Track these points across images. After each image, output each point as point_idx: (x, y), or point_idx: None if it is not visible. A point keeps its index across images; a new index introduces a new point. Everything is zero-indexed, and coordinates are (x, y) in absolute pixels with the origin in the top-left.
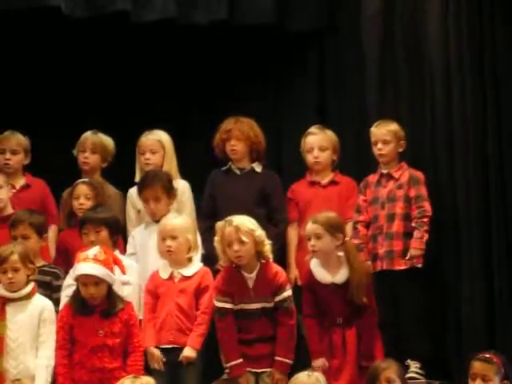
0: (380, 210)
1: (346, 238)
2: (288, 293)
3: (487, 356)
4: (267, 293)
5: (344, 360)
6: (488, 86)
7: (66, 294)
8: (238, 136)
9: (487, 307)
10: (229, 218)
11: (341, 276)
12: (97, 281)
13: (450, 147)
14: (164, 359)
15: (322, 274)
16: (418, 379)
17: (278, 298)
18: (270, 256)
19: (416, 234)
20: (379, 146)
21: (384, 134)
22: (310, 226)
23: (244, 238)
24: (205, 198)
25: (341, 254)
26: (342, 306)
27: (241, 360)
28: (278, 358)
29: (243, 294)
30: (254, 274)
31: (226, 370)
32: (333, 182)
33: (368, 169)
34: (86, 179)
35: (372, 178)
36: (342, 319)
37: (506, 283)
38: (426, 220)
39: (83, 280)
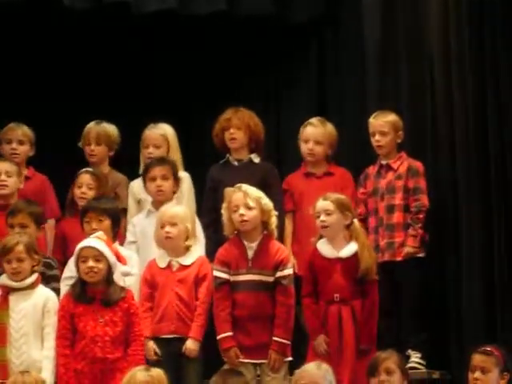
0: (380, 202)
1: (354, 219)
2: (289, 271)
3: (487, 349)
4: (266, 265)
5: (342, 343)
6: (488, 72)
7: (65, 284)
8: (238, 125)
9: (487, 299)
10: (238, 184)
11: (346, 250)
12: (97, 256)
13: (452, 138)
14: (157, 350)
15: (327, 249)
16: (418, 369)
17: (278, 274)
18: (275, 230)
19: (410, 231)
20: (377, 137)
21: (381, 125)
22: (321, 203)
23: (251, 203)
24: (205, 193)
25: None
26: (342, 282)
27: (231, 333)
28: (275, 338)
29: (241, 263)
30: (254, 244)
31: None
32: (328, 173)
33: (368, 160)
34: (90, 169)
35: (372, 170)
36: (339, 296)
37: (506, 275)
38: (421, 216)
39: (84, 254)
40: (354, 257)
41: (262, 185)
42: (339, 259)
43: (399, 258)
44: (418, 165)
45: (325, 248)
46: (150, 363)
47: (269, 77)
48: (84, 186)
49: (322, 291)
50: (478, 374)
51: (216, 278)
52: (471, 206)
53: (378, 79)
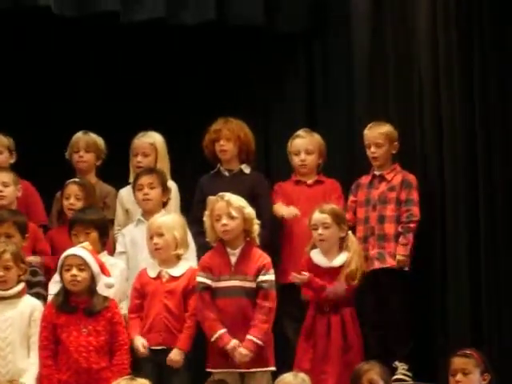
0: (371, 212)
1: (349, 231)
2: (271, 277)
3: (466, 351)
4: (249, 271)
5: (328, 350)
6: (476, 86)
7: (54, 285)
8: (228, 136)
9: (473, 310)
10: (221, 193)
11: (339, 260)
12: (81, 265)
13: (439, 147)
14: (145, 343)
15: (320, 258)
16: (405, 381)
17: (260, 278)
18: (257, 238)
19: (401, 239)
20: (372, 149)
21: (376, 136)
22: (318, 216)
23: (234, 213)
24: (194, 203)
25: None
26: None
27: (225, 329)
28: (248, 337)
29: (224, 269)
30: (237, 251)
31: (213, 371)
32: (318, 182)
33: (356, 171)
34: (77, 179)
35: (364, 180)
36: (329, 304)
37: (493, 287)
38: (412, 225)
39: (68, 262)
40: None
41: (251, 195)
42: (331, 268)
43: (389, 265)
44: (411, 178)
45: (317, 257)
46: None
47: (257, 87)
48: (72, 197)
49: (313, 300)
50: (459, 377)
51: (199, 283)
52: (457, 217)
53: (367, 91)
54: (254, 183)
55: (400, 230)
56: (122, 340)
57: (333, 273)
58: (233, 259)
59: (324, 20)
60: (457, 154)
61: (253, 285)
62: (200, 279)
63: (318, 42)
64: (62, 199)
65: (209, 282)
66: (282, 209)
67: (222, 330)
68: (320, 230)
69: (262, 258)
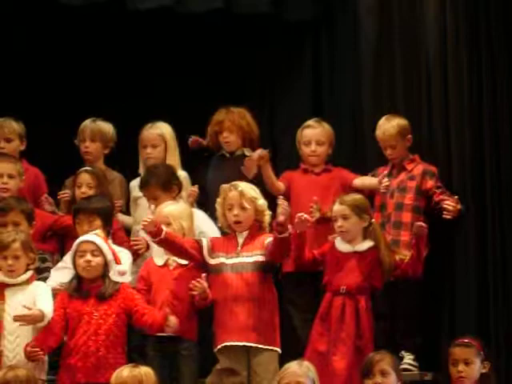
0: (389, 199)
1: (373, 220)
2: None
3: (466, 341)
4: (256, 247)
5: (341, 333)
6: (484, 76)
7: (55, 269)
8: (230, 127)
9: (481, 303)
10: (234, 182)
11: (362, 245)
12: (95, 250)
13: (447, 138)
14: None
15: (343, 245)
16: (411, 371)
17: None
18: (267, 227)
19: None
20: (388, 151)
21: (388, 139)
22: (338, 207)
23: (246, 205)
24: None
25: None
26: (351, 275)
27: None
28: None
29: (231, 249)
30: (245, 232)
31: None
32: (325, 170)
33: (362, 160)
34: (89, 168)
35: (382, 170)
36: (346, 289)
37: (500, 281)
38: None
39: (82, 248)
40: (368, 252)
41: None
42: (354, 253)
43: (402, 256)
44: (433, 169)
45: (340, 244)
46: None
47: (263, 76)
48: (84, 186)
49: (330, 282)
50: (461, 367)
51: (210, 265)
52: (466, 213)
53: (373, 79)
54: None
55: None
56: (141, 304)
57: (355, 258)
58: (240, 240)
59: (330, 8)
60: (465, 143)
61: (260, 258)
62: (212, 261)
63: (324, 31)
64: (74, 188)
65: (216, 261)
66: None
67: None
68: (339, 222)
69: (268, 235)
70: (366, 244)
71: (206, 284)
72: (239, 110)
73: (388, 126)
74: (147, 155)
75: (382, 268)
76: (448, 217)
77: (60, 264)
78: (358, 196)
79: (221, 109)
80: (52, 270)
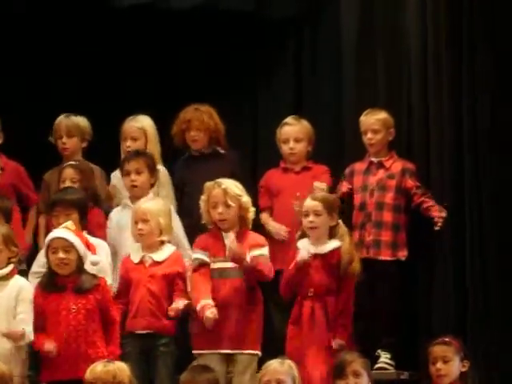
0: (369, 198)
1: (339, 220)
2: (265, 252)
3: (445, 339)
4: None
5: (311, 336)
6: (464, 74)
7: (35, 278)
8: (198, 126)
9: (458, 302)
10: (218, 179)
11: (326, 247)
12: (67, 246)
13: (427, 136)
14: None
15: (308, 247)
16: (387, 369)
17: (254, 253)
18: (251, 224)
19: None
20: (369, 135)
21: (373, 123)
22: (310, 203)
23: (230, 202)
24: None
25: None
26: (317, 278)
27: (212, 302)
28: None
29: (218, 252)
30: (231, 234)
31: (199, 352)
32: (305, 168)
33: (344, 157)
34: (74, 162)
35: (359, 166)
36: (314, 291)
37: (478, 279)
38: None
39: (54, 245)
40: (333, 253)
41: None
42: (317, 255)
43: (384, 258)
44: (412, 166)
45: (304, 245)
46: (125, 358)
47: (246, 73)
48: (67, 181)
49: (299, 286)
50: (440, 365)
51: (196, 259)
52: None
53: (355, 77)
54: (230, 161)
55: (425, 199)
56: (112, 317)
57: (319, 260)
58: (227, 242)
59: (313, 7)
60: (444, 140)
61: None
62: (197, 255)
63: (306, 29)
64: (56, 183)
65: (206, 258)
66: (271, 225)
67: (209, 300)
68: (311, 217)
69: (254, 236)
70: (332, 244)
71: (180, 303)
72: (207, 109)
73: (374, 112)
74: (127, 148)
75: (341, 263)
76: (437, 228)
77: (36, 268)
78: (330, 194)
79: (187, 107)
80: (30, 276)
